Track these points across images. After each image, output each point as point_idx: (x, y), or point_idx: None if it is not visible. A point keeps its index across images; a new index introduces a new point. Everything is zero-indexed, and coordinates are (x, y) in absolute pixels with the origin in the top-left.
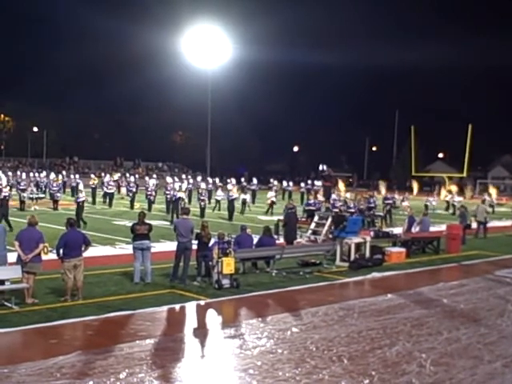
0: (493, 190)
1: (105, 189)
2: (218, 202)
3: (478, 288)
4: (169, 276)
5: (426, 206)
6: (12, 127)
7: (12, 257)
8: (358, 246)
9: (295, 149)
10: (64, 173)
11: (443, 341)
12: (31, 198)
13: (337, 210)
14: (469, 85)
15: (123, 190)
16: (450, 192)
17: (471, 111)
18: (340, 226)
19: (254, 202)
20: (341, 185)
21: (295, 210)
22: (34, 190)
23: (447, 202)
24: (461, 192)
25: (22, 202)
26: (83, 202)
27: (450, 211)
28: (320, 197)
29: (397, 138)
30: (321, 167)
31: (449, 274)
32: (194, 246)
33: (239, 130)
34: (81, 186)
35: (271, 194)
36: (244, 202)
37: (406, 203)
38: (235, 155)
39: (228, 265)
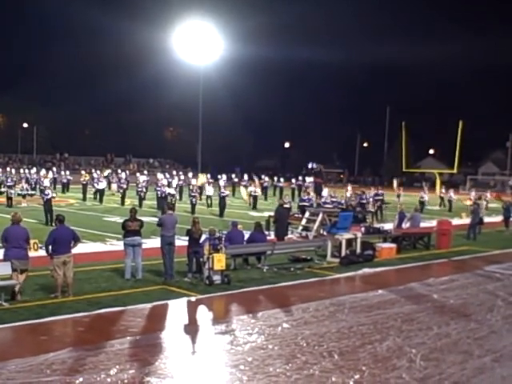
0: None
1: (95, 185)
2: (208, 197)
3: (468, 283)
4: (159, 272)
5: (422, 203)
6: (2, 123)
7: None
8: (349, 242)
9: (286, 145)
10: (54, 169)
11: (433, 336)
12: (21, 195)
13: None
14: (460, 81)
15: (114, 187)
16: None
17: (462, 107)
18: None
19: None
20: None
21: (290, 206)
22: (25, 186)
23: (441, 197)
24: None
25: (10, 199)
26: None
27: (442, 207)
28: (311, 193)
29: (388, 134)
30: (310, 165)
31: (439, 269)
32: (178, 242)
33: (230, 126)
34: (46, 183)
35: (251, 189)
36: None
37: (401, 200)
38: (226, 151)
39: (219, 261)
